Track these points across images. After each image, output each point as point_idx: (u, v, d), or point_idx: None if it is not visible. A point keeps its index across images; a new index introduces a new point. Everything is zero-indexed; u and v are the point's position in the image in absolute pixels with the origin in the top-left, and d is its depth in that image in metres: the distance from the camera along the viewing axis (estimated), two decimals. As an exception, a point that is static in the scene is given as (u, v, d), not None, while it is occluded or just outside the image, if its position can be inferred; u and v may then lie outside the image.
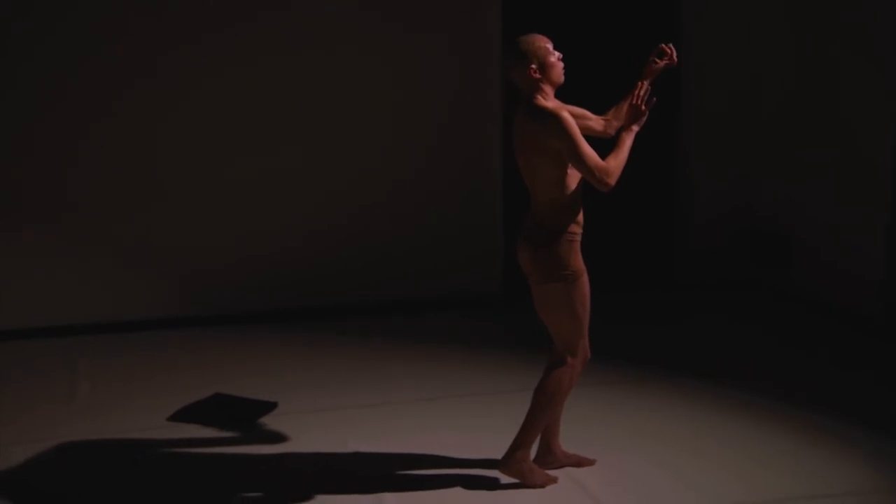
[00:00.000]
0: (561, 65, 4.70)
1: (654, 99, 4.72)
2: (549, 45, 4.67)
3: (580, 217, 4.72)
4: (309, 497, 4.82)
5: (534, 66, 4.61)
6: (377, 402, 5.95)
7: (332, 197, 7.67)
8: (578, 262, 4.70)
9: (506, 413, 5.59)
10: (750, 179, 8.22)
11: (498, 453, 4.96)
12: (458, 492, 4.85)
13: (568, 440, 5.11)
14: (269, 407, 5.86)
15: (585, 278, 4.73)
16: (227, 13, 7.37)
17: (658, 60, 4.97)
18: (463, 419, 5.69)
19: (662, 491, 4.86)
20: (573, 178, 4.67)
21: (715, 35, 8.11)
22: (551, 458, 5.04)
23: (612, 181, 4.53)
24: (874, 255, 7.12)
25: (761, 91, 8.11)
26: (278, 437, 5.49)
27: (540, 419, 4.83)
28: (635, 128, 4.70)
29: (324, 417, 5.71)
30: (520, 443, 4.86)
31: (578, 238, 4.72)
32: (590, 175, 4.52)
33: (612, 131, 4.97)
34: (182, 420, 5.71)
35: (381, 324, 7.50)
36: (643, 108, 4.70)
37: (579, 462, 5.07)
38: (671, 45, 5.00)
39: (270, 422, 5.69)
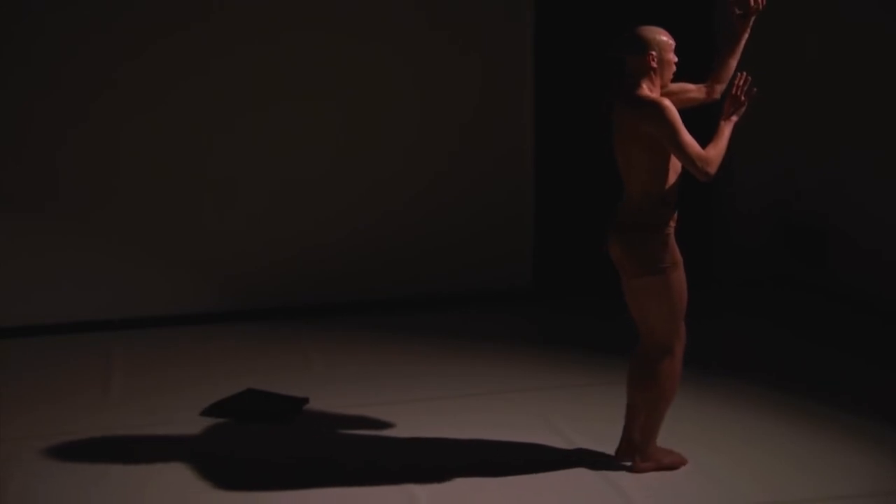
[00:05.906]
0: (674, 67, 4.69)
1: (756, 89, 4.67)
2: (672, 44, 4.66)
3: (675, 213, 4.70)
4: (341, 490, 4.86)
5: (653, 53, 4.60)
6: (407, 398, 5.96)
7: (355, 195, 7.64)
8: (675, 252, 4.71)
9: (528, 410, 5.64)
10: (780, 176, 8.14)
11: (522, 448, 5.03)
12: (487, 484, 4.88)
13: (598, 439, 5.16)
14: (301, 402, 5.87)
15: (682, 267, 4.72)
16: (240, 11, 7.32)
17: (739, 11, 4.85)
18: (490, 416, 5.69)
19: (691, 489, 4.86)
20: (672, 171, 4.65)
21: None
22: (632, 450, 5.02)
23: (713, 170, 4.52)
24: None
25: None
26: (309, 433, 5.51)
27: (658, 414, 4.87)
28: (735, 118, 4.67)
29: (353, 413, 5.71)
30: (645, 442, 4.90)
31: (672, 231, 4.70)
32: (690, 164, 4.51)
33: (717, 95, 4.95)
34: (215, 414, 5.74)
35: (402, 321, 7.46)
36: (743, 98, 4.66)
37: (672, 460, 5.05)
38: None
39: (301, 417, 5.72)
